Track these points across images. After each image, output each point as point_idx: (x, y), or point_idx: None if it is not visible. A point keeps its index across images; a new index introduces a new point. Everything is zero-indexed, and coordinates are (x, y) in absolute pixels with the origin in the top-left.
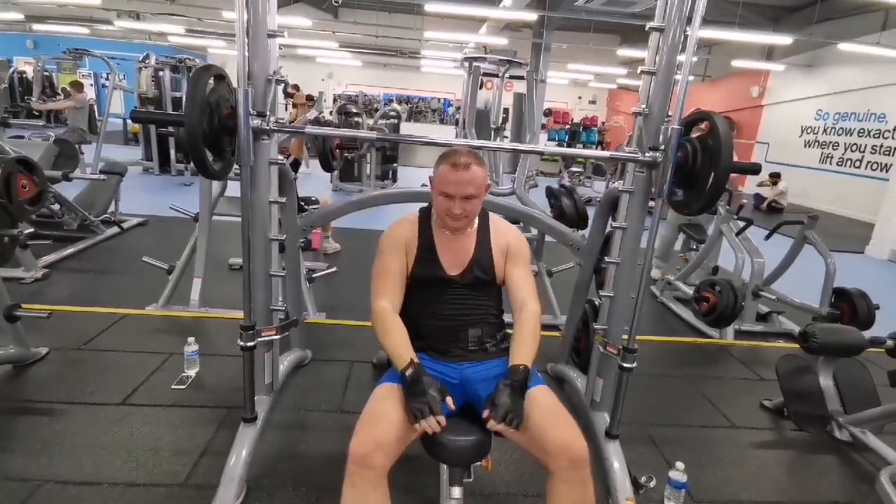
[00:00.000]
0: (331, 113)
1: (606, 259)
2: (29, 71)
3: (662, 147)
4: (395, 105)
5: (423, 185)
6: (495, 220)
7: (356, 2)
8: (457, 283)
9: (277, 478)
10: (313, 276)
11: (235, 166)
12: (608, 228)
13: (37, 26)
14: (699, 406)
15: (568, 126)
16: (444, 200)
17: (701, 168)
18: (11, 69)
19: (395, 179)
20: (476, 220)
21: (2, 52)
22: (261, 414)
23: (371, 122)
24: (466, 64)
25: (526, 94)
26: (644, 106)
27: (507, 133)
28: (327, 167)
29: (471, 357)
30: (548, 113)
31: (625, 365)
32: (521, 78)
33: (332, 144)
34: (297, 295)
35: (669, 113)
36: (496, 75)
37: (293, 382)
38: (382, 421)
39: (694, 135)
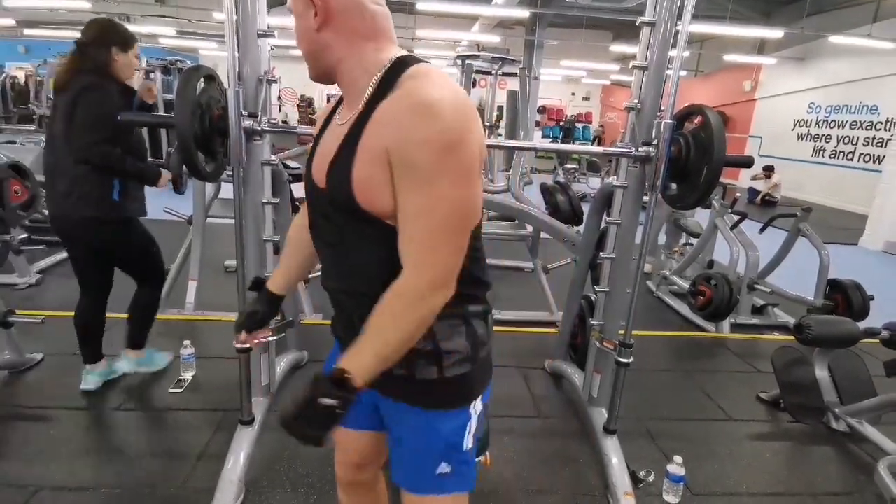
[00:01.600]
0: None
1: (602, 255)
2: (21, 76)
3: (655, 142)
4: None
5: None
6: (404, 88)
7: None
8: (322, 203)
9: (275, 479)
10: (309, 276)
11: (228, 168)
12: (603, 224)
13: (28, 31)
14: (696, 399)
15: (562, 123)
16: None
17: (694, 162)
18: (3, 75)
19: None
20: (372, 80)
21: None
22: (258, 416)
23: None
24: (459, 62)
25: (519, 91)
26: (637, 101)
27: (502, 131)
28: None
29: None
30: (542, 110)
31: (621, 360)
32: (515, 75)
33: None
34: (293, 296)
35: (662, 107)
36: (489, 73)
37: (290, 384)
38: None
39: (687, 129)
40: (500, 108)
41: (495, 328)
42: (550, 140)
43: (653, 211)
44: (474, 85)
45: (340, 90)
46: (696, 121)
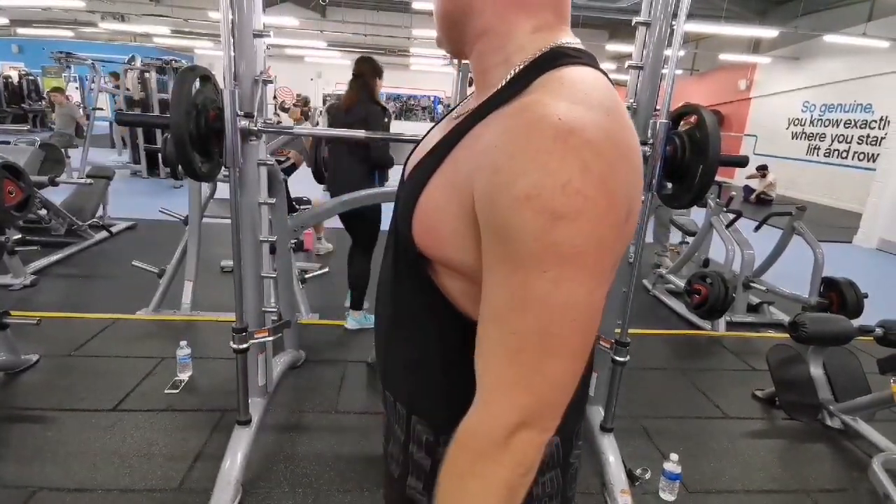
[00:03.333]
0: (319, 113)
1: None
2: (14, 76)
3: (651, 141)
4: (383, 103)
5: None
6: (530, 96)
7: (344, 0)
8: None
9: (273, 480)
10: (306, 276)
11: (224, 168)
12: None
13: (21, 30)
14: (692, 397)
15: None
16: None
17: (689, 161)
18: None
19: (386, 179)
20: (508, 74)
21: None
22: (255, 416)
23: None
24: (455, 61)
25: None
26: (632, 100)
27: None
28: (320, 179)
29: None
30: None
31: (618, 359)
32: None
33: (323, 155)
34: (290, 296)
35: (657, 107)
36: None
37: (287, 384)
38: None
39: (682, 128)
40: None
41: None
42: None
43: (649, 210)
44: (471, 84)
45: (472, 76)
46: (691, 120)
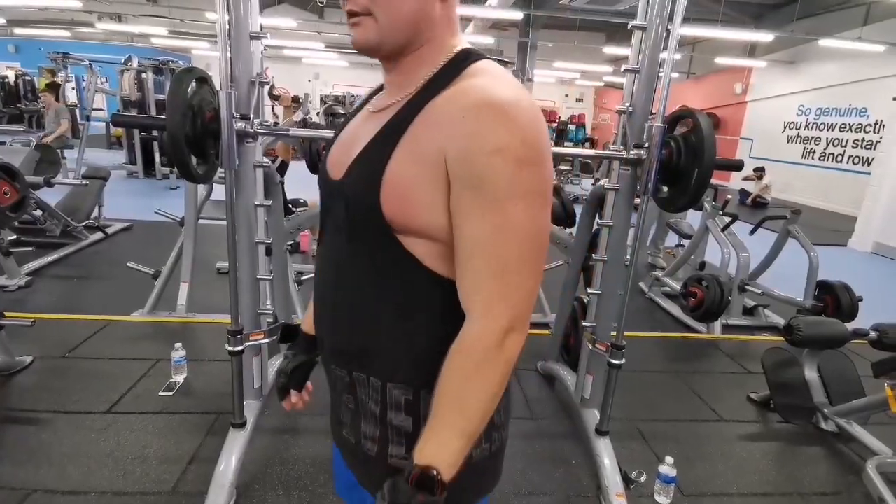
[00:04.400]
0: (318, 114)
1: (594, 256)
2: (11, 76)
3: (647, 144)
4: None
5: None
6: (470, 84)
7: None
8: (335, 203)
9: (268, 483)
10: (302, 278)
11: (220, 169)
12: (595, 226)
13: (18, 30)
14: (688, 400)
15: (555, 124)
16: None
17: (685, 165)
18: None
19: None
20: (432, 69)
21: None
22: (250, 419)
23: None
24: None
25: None
26: (628, 104)
27: None
28: (314, 169)
29: (343, 446)
30: None
31: (613, 362)
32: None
33: (319, 147)
34: (286, 298)
35: (653, 111)
36: None
37: None
38: None
39: (678, 132)
40: None
41: None
42: None
43: (645, 214)
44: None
45: (389, 75)
46: (687, 123)
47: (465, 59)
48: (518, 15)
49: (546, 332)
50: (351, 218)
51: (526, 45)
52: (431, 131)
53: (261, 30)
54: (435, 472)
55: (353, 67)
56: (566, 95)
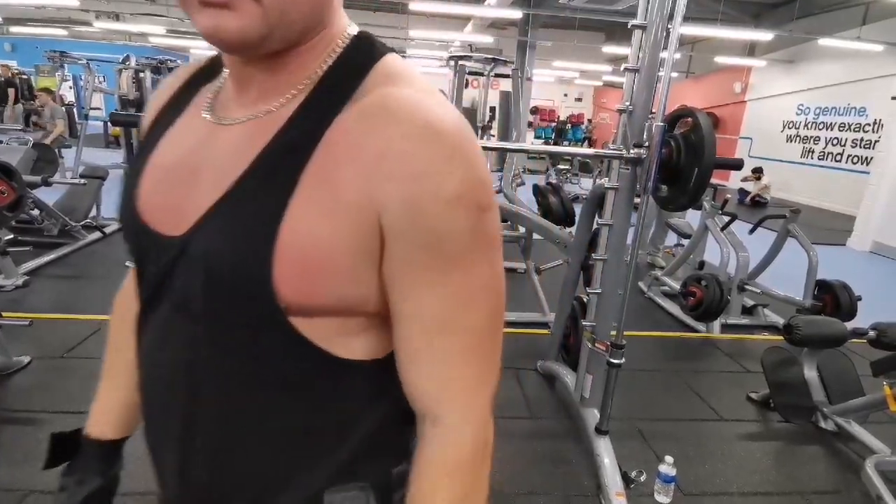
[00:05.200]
0: None
1: (593, 256)
2: (7, 74)
3: (647, 144)
4: None
5: None
6: (393, 99)
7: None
8: (173, 274)
9: None
10: None
11: None
12: (595, 225)
13: (15, 29)
14: (687, 400)
15: (554, 123)
16: None
17: (685, 164)
18: None
19: None
20: (322, 63)
21: None
22: None
23: None
24: (452, 63)
25: (512, 92)
26: (628, 103)
27: (494, 131)
28: None
29: None
30: (534, 111)
31: (613, 361)
32: (508, 76)
33: None
34: None
35: (653, 110)
36: (482, 74)
37: None
38: None
39: (678, 131)
40: (492, 108)
41: None
42: (543, 141)
43: (645, 213)
44: (467, 85)
45: (254, 73)
46: (686, 122)
47: (369, 50)
48: (517, 14)
49: (545, 331)
50: (212, 298)
51: (525, 45)
52: (350, 169)
53: None
54: None
55: None
56: (565, 95)
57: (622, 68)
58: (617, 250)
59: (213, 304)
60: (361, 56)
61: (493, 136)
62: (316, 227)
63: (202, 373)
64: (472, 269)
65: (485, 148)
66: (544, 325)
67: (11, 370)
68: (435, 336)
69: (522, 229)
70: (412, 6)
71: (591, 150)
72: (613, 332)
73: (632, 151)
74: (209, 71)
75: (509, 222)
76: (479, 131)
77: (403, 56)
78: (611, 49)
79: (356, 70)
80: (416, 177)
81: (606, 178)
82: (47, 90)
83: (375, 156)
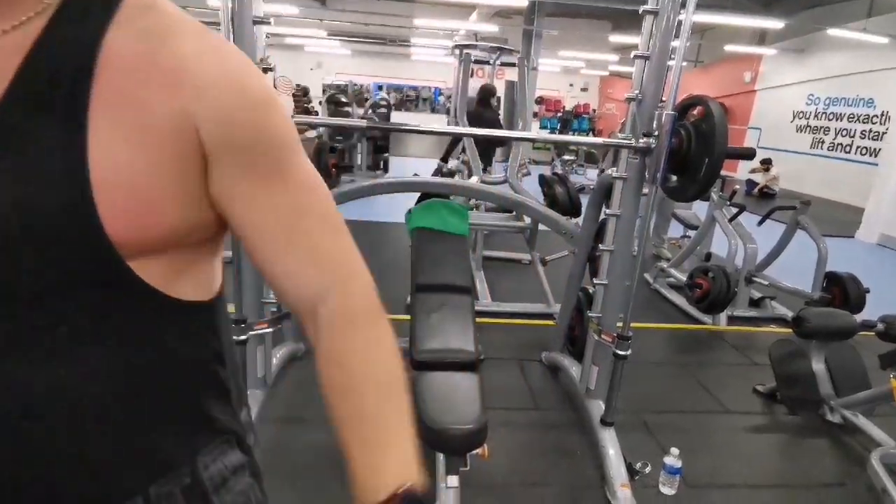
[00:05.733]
0: (320, 102)
1: (600, 247)
2: None
3: (656, 133)
4: (384, 94)
5: (416, 174)
6: (162, 17)
7: None
8: None
9: (273, 471)
10: None
11: None
12: (602, 216)
13: None
14: (693, 392)
15: (560, 114)
16: None
17: (695, 154)
18: None
19: (386, 169)
20: None
21: None
22: (254, 409)
23: (361, 111)
24: (457, 51)
25: (517, 81)
26: (637, 91)
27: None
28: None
29: None
30: (539, 101)
31: (619, 353)
32: (513, 65)
33: (329, 162)
34: None
35: (663, 98)
36: (487, 62)
37: (287, 376)
38: None
39: (689, 120)
40: (497, 98)
41: (493, 320)
42: (549, 131)
43: (653, 203)
44: (472, 75)
45: None
46: (697, 112)
47: None
48: (523, 2)
49: (550, 322)
50: (32, 269)
51: (531, 34)
52: (148, 90)
53: (264, 16)
54: (410, 489)
55: (356, 56)
56: (571, 85)
57: (632, 56)
58: (624, 241)
59: (30, 277)
60: None
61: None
62: (129, 156)
63: (37, 368)
64: (302, 166)
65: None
66: (549, 316)
67: None
68: (295, 223)
69: (528, 220)
70: None
71: (599, 140)
72: (620, 324)
73: (641, 141)
74: None
75: (514, 213)
76: None
77: (407, 45)
78: (618, 38)
79: None
80: (229, 89)
81: (614, 168)
82: None
83: (174, 73)
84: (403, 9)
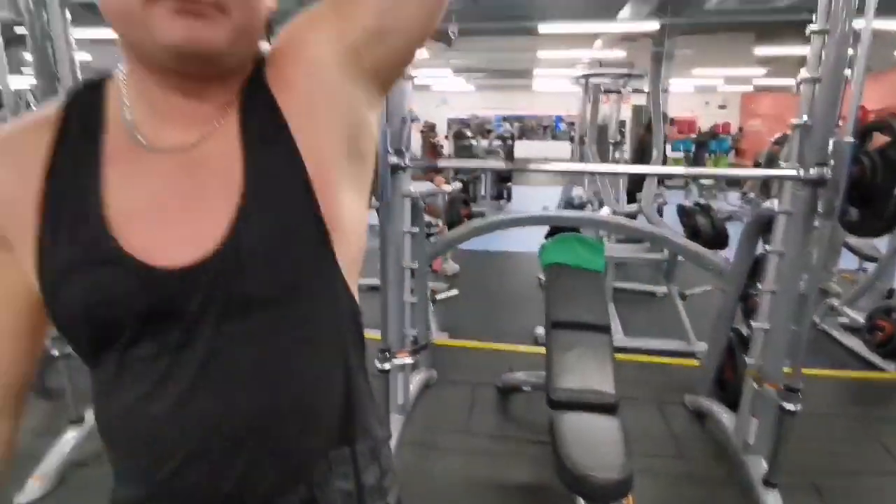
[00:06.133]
0: (446, 137)
1: (759, 287)
2: None
3: (832, 162)
4: (507, 126)
5: (545, 207)
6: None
7: (471, 31)
8: (208, 292)
9: (409, 494)
10: (436, 297)
11: (374, 199)
12: (759, 251)
13: None
14: (873, 452)
15: (694, 135)
16: None
17: (882, 184)
18: None
19: (510, 199)
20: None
21: None
22: (395, 433)
23: (485, 143)
24: (583, 80)
25: (651, 106)
26: (805, 118)
27: (627, 147)
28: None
29: None
30: (671, 122)
31: (787, 406)
32: (641, 91)
33: (461, 212)
34: (425, 318)
35: (839, 123)
36: (616, 91)
37: (421, 402)
38: None
39: (871, 145)
40: (623, 122)
41: (627, 356)
42: (683, 153)
43: (828, 240)
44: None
45: (182, 101)
46: (885, 136)
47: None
48: (654, 26)
49: (691, 361)
50: (271, 286)
51: (660, 55)
52: (294, 68)
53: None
54: None
55: (479, 90)
56: (706, 103)
57: (798, 81)
58: (789, 281)
59: (272, 292)
60: (257, 65)
61: (626, 152)
62: (325, 146)
63: (264, 335)
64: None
65: (620, 174)
66: (690, 355)
67: None
68: None
69: (665, 251)
70: (541, 29)
71: (759, 172)
72: (788, 370)
73: (811, 171)
74: (84, 114)
75: (648, 244)
76: (611, 148)
77: (530, 77)
78: (763, 50)
79: (259, 64)
80: (324, 31)
81: (774, 201)
82: None
83: (288, 54)
84: (527, 43)
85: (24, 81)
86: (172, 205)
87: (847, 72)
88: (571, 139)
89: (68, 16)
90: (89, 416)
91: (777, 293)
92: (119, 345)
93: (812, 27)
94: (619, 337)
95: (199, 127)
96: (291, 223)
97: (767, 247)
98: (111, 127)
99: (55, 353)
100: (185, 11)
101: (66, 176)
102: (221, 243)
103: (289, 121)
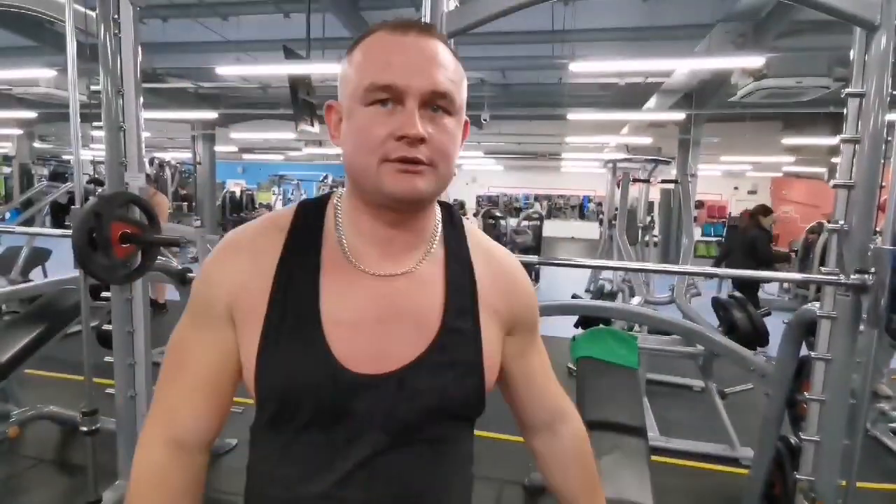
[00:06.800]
0: (475, 214)
1: (806, 395)
2: (237, 191)
3: (873, 269)
4: (537, 206)
5: (574, 294)
6: (482, 238)
7: (502, 115)
8: (404, 410)
9: None
10: None
11: None
12: (804, 353)
13: (246, 156)
14: None
15: (724, 220)
16: (379, 117)
17: None
18: (224, 190)
19: (537, 279)
20: (435, 225)
21: (220, 176)
22: None
23: (514, 223)
24: (610, 165)
25: (674, 191)
26: (842, 222)
27: (656, 231)
28: None
29: None
30: (699, 205)
31: None
32: (673, 181)
33: None
34: None
35: (877, 228)
36: (646, 181)
37: None
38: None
39: None
40: (652, 204)
41: (663, 458)
42: (714, 238)
43: (875, 348)
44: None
45: (393, 232)
46: None
47: (452, 211)
48: (680, 116)
49: (735, 469)
50: (430, 420)
51: (687, 143)
52: (498, 298)
53: None
54: None
55: (508, 170)
56: (735, 188)
57: (831, 185)
58: (839, 389)
59: (430, 425)
60: (450, 214)
61: (656, 236)
62: (495, 345)
63: (429, 457)
64: (541, 342)
65: (651, 271)
66: (734, 461)
67: (221, 452)
68: (547, 375)
69: (700, 347)
70: (570, 117)
71: (797, 276)
72: (843, 483)
73: (852, 277)
74: (308, 227)
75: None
76: (640, 231)
77: (558, 159)
78: (790, 140)
79: (453, 224)
80: (528, 293)
81: (816, 304)
82: (267, 206)
83: (506, 280)
84: (556, 128)
85: (88, 154)
86: (369, 320)
87: (881, 179)
88: (600, 221)
89: (141, 100)
90: (107, 496)
91: (826, 402)
92: (293, 425)
93: (843, 136)
94: (653, 435)
95: (398, 256)
96: (465, 370)
97: (812, 353)
98: (327, 243)
99: (84, 428)
100: (407, 171)
101: (292, 280)
102: (404, 366)
103: (478, 291)
